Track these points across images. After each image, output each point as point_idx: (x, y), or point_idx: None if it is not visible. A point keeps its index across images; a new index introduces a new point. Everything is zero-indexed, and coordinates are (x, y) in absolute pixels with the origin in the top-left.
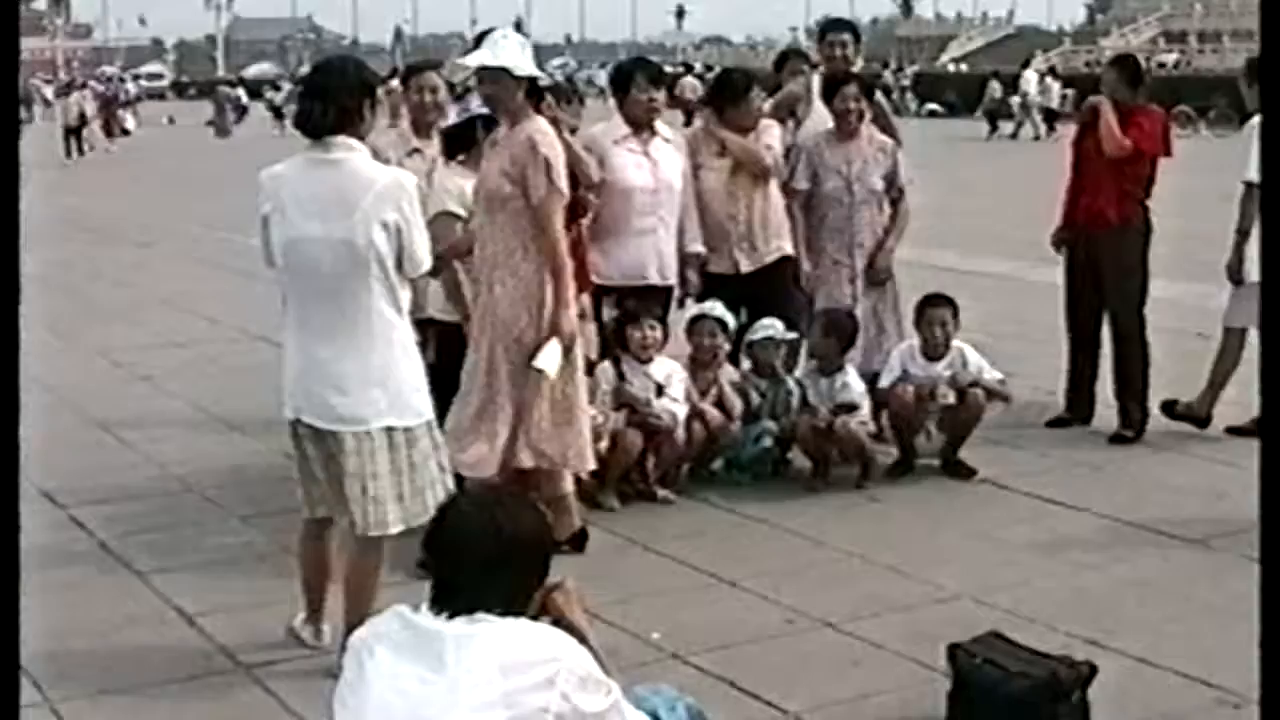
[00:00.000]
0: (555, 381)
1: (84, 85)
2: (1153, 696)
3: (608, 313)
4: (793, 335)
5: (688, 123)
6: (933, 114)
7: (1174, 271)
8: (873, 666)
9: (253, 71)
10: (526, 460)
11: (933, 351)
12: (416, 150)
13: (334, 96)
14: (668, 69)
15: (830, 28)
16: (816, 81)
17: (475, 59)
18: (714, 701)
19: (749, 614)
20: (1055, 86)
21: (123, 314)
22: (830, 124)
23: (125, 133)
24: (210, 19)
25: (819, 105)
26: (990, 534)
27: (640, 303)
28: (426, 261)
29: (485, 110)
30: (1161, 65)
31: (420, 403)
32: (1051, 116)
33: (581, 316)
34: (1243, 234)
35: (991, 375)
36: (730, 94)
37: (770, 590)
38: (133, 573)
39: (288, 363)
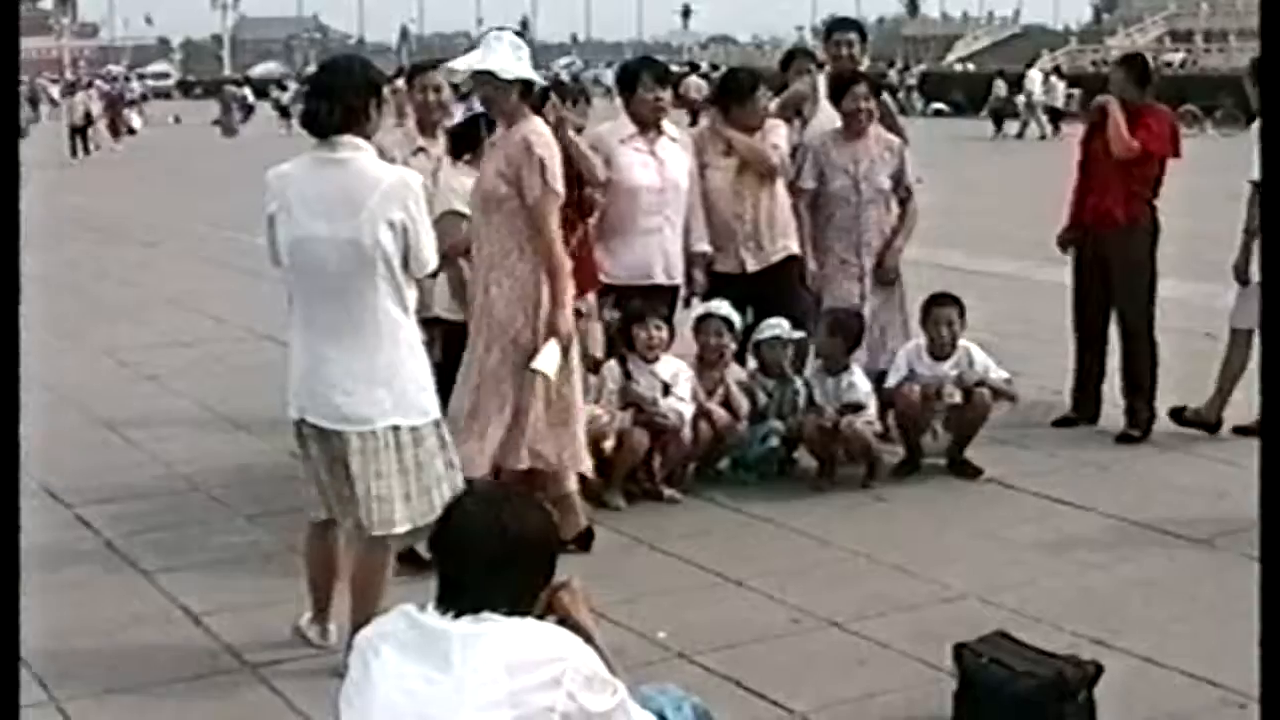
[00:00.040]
0: (552, 382)
1: (90, 84)
2: (1159, 696)
3: (607, 313)
4: (799, 335)
5: (693, 122)
6: (939, 113)
7: (1181, 271)
8: (879, 666)
9: (259, 71)
10: (522, 461)
11: (939, 351)
12: (422, 149)
13: (340, 96)
14: (674, 68)
15: (836, 27)
16: (822, 81)
17: (463, 62)
18: (720, 701)
19: (755, 613)
20: (1060, 86)
21: (129, 313)
22: (837, 123)
23: (131, 132)
24: (216, 18)
25: (825, 104)
26: (996, 533)
27: (646, 302)
28: (433, 261)
29: None
30: (1168, 64)
31: (426, 402)
32: (1057, 116)
33: (579, 315)
34: (1250, 234)
35: (998, 375)
36: (736, 93)
37: (776, 590)
38: (139, 572)
39: (293, 362)
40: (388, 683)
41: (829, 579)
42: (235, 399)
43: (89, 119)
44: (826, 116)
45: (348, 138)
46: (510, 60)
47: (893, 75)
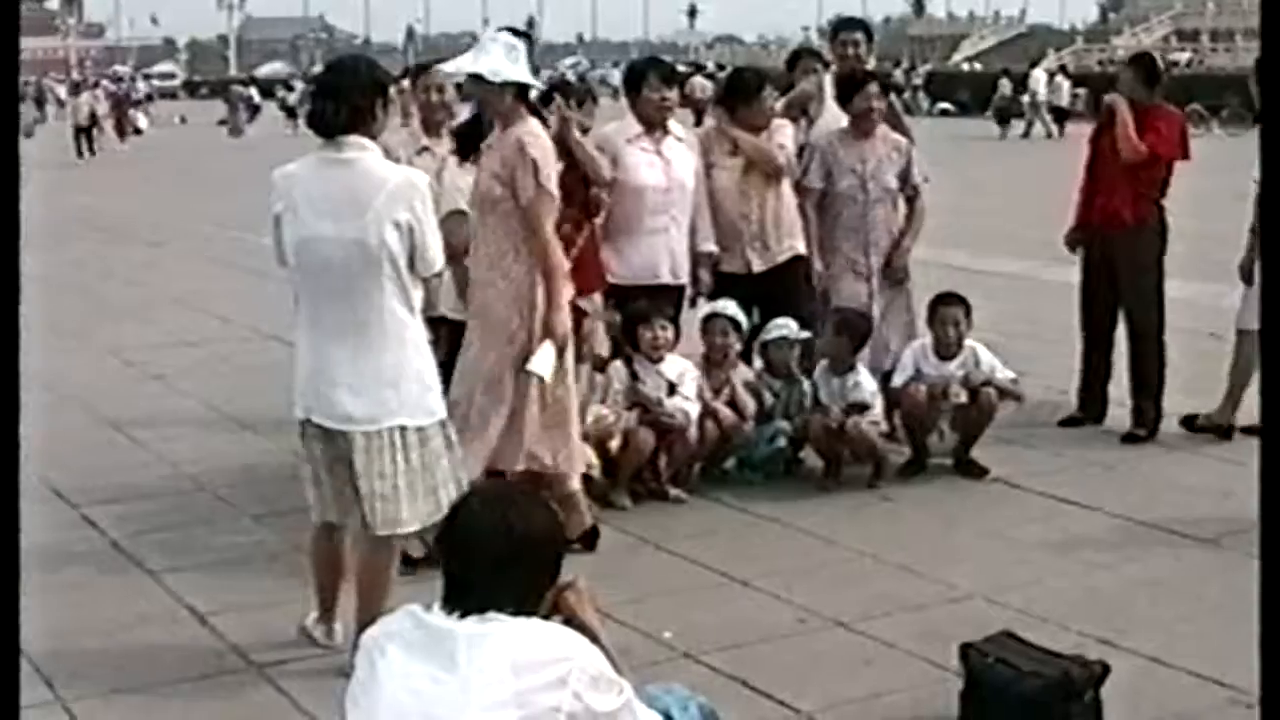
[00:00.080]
0: (548, 384)
1: (96, 85)
2: (1165, 696)
3: (605, 314)
4: (806, 335)
5: (698, 122)
6: (944, 113)
7: (1187, 271)
8: (885, 666)
9: (265, 71)
10: (518, 463)
11: (945, 351)
12: (426, 149)
13: (346, 96)
14: (679, 68)
15: (842, 27)
16: (828, 80)
17: (453, 65)
18: (726, 701)
19: (761, 613)
20: (1065, 85)
21: (135, 313)
22: (843, 123)
23: (138, 132)
24: (222, 18)
25: (831, 104)
26: (1003, 533)
27: (652, 302)
28: (439, 261)
29: None
30: (1174, 64)
31: (433, 402)
32: (1062, 115)
33: (585, 315)
34: (1256, 233)
35: (1004, 374)
36: (742, 93)
37: (782, 589)
38: (144, 572)
39: (299, 362)
40: (394, 682)
41: (835, 579)
42: (241, 399)
43: (94, 119)
44: (832, 116)
45: (354, 138)
46: (502, 62)
47: (898, 75)
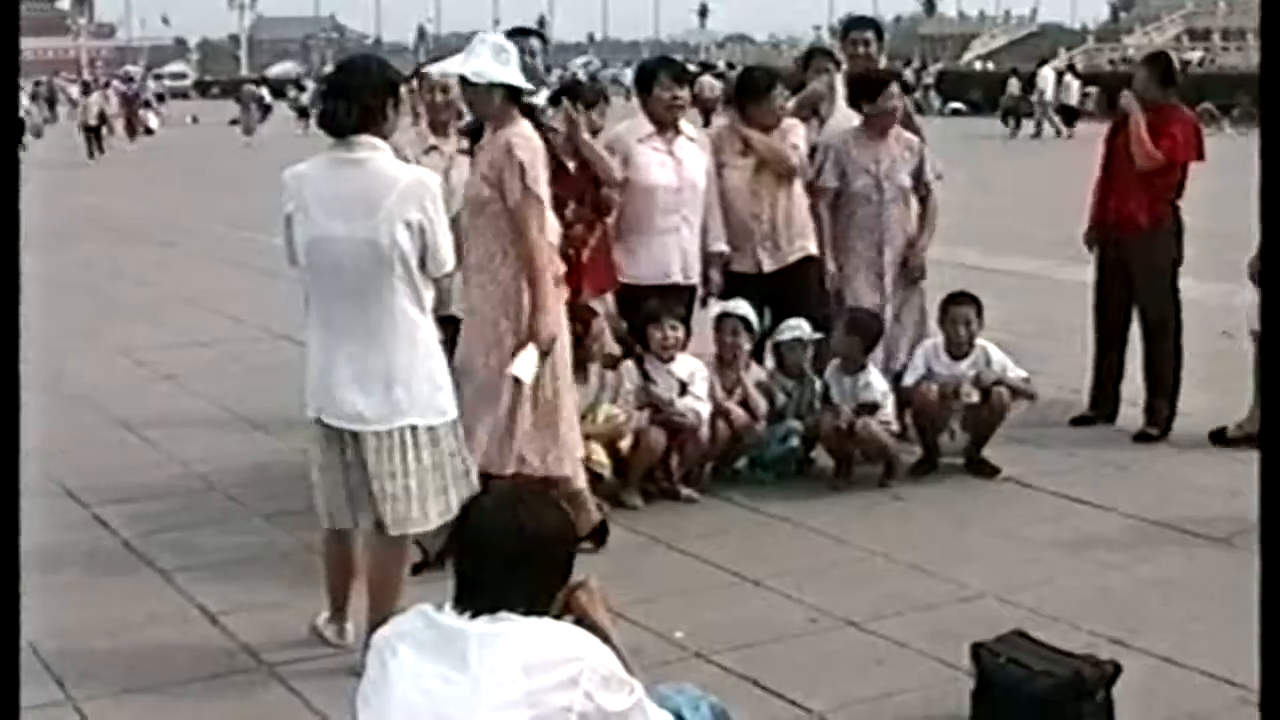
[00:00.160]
0: (542, 386)
1: (107, 85)
2: (1177, 695)
3: (613, 318)
4: (819, 336)
5: (706, 122)
6: (956, 112)
7: (1198, 270)
8: (896, 665)
9: (276, 71)
10: (509, 466)
11: (957, 350)
12: (434, 148)
13: (357, 95)
14: (690, 67)
15: (853, 26)
16: (839, 80)
17: (439, 68)
18: (737, 700)
19: (772, 613)
20: (1075, 84)
21: (146, 313)
22: (854, 122)
23: (149, 132)
24: (233, 18)
25: (842, 104)
26: (1014, 533)
27: (663, 302)
28: (450, 261)
29: None
30: (1185, 63)
31: (444, 401)
32: (1072, 115)
33: (594, 315)
34: None
35: (1015, 373)
36: (752, 92)
37: (794, 589)
38: (156, 571)
39: (310, 362)
40: (405, 682)
41: (846, 578)
42: (252, 399)
43: (103, 119)
44: (843, 115)
45: (365, 138)
46: (490, 64)
47: (909, 74)
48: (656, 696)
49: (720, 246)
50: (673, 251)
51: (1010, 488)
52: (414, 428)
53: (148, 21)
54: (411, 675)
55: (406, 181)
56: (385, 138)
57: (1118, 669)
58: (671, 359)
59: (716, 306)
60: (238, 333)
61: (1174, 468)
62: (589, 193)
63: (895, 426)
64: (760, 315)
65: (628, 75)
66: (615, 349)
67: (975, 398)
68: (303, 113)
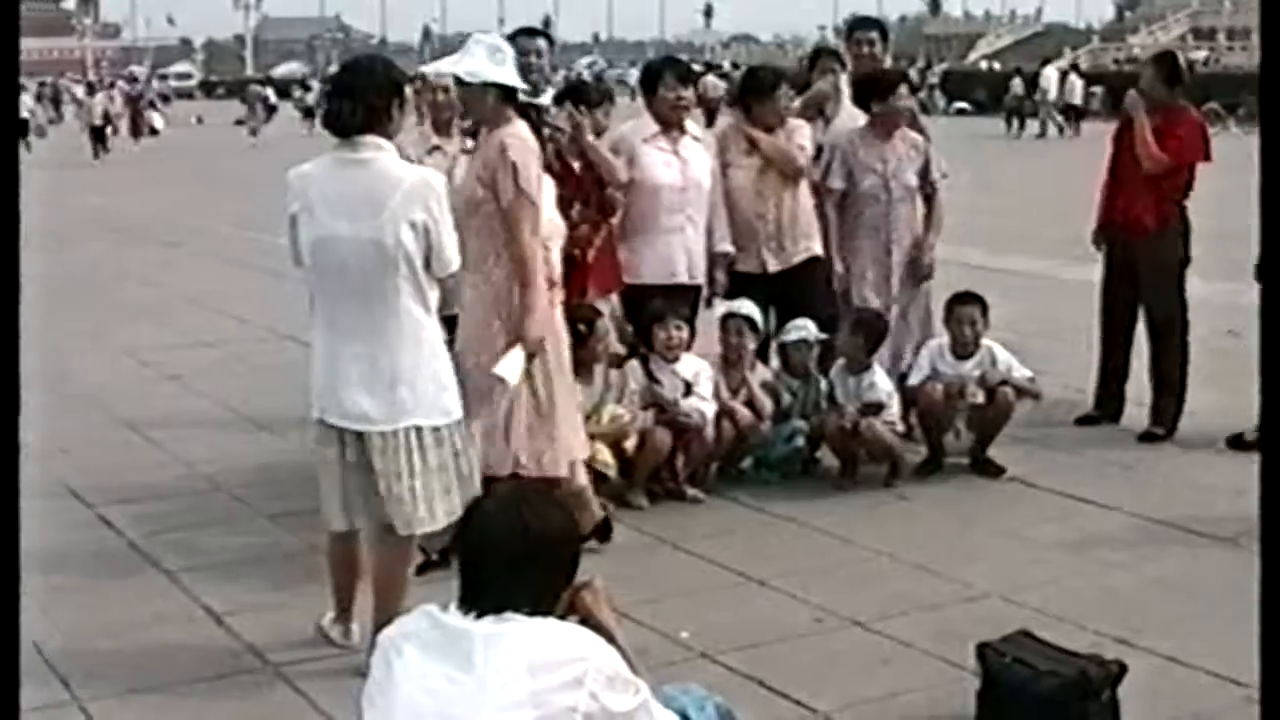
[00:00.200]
0: (536, 388)
1: (112, 85)
2: (1182, 695)
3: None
4: (825, 336)
5: (710, 122)
6: (961, 112)
7: (1204, 270)
8: (902, 665)
9: (281, 71)
10: (505, 467)
11: (962, 350)
12: (437, 148)
13: (362, 95)
14: (694, 67)
15: (858, 26)
16: (844, 80)
17: (434, 67)
18: (743, 700)
19: (778, 613)
20: (1079, 84)
21: (151, 313)
22: (859, 122)
23: (154, 132)
24: (238, 18)
25: (848, 104)
26: (1019, 532)
27: (668, 302)
28: (455, 261)
29: None
30: (1191, 63)
31: (449, 402)
32: (1078, 114)
33: (599, 315)
34: None
35: (1021, 373)
36: (756, 91)
37: (799, 589)
38: (161, 572)
39: (315, 363)
40: (410, 682)
41: (852, 578)
42: (257, 399)
43: (108, 119)
44: (849, 115)
45: (370, 138)
46: (484, 64)
47: (914, 74)
48: (662, 697)
49: (725, 247)
50: (678, 251)
51: (1015, 487)
52: (419, 428)
53: (153, 22)
54: (417, 675)
55: (411, 182)
56: (390, 138)
57: (1123, 669)
58: (676, 359)
59: (722, 306)
60: (243, 333)
61: (1179, 467)
62: (594, 193)
63: (900, 426)
64: (765, 315)
65: (633, 75)
66: (620, 349)
67: (980, 398)
68: (308, 113)
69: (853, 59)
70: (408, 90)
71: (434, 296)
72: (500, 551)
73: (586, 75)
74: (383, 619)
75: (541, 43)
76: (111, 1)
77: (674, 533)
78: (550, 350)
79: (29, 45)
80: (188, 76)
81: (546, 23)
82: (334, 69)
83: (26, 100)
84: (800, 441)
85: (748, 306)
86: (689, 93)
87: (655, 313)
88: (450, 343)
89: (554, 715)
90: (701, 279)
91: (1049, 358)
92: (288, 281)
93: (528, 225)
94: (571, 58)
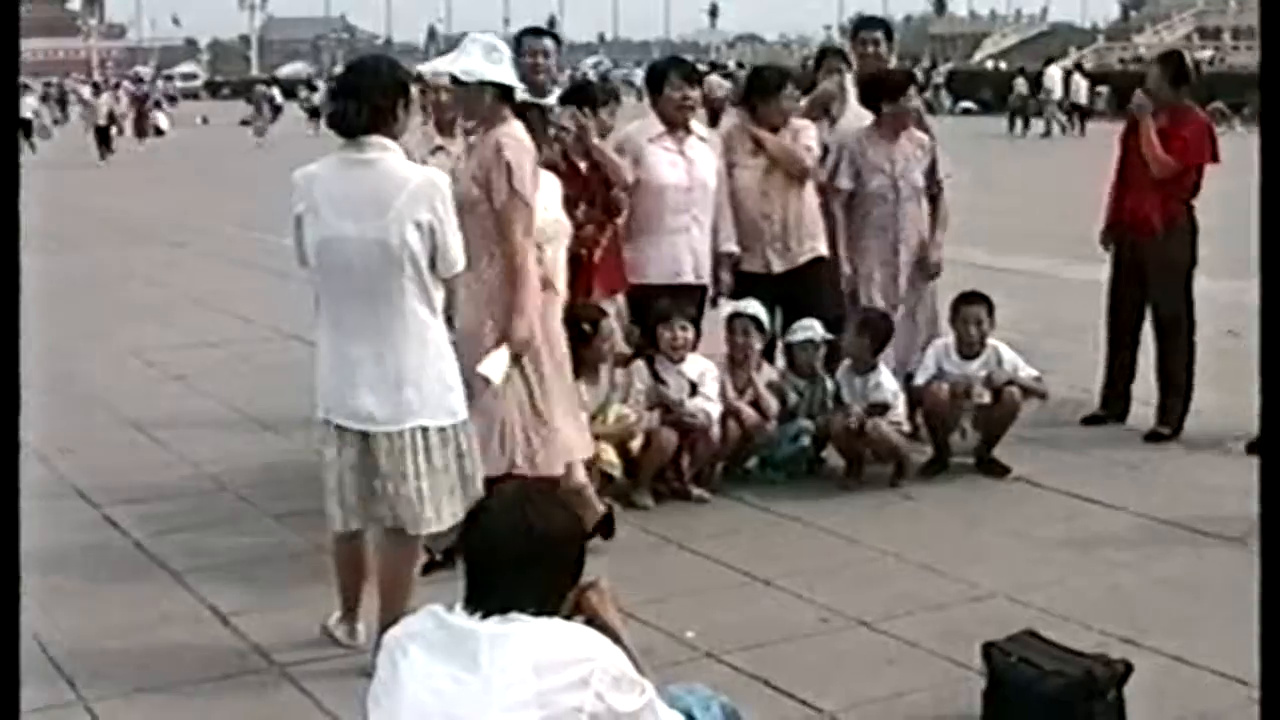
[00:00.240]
0: (531, 388)
1: (118, 85)
2: (1188, 695)
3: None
4: (832, 336)
5: (713, 122)
6: (966, 111)
7: (1210, 268)
8: (907, 665)
9: (286, 71)
10: (500, 467)
11: (968, 350)
12: (440, 148)
13: (368, 96)
14: (699, 67)
15: (863, 26)
16: (850, 80)
17: (430, 66)
18: (748, 700)
19: (783, 612)
20: (1083, 84)
21: (156, 314)
22: (865, 122)
23: (159, 133)
24: (244, 19)
25: (854, 103)
26: (1025, 532)
27: (674, 302)
28: (460, 261)
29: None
30: (1198, 62)
31: (454, 402)
32: (1082, 114)
33: (603, 315)
34: None
35: (1027, 372)
36: (760, 90)
37: (805, 589)
38: (167, 572)
39: (320, 363)
40: (416, 682)
41: (857, 578)
42: (262, 399)
43: (113, 119)
44: (854, 115)
45: (375, 138)
46: (480, 63)
47: (919, 74)
48: (667, 697)
49: (730, 247)
50: (683, 251)
51: (1021, 487)
52: (425, 429)
53: (158, 22)
54: (422, 676)
55: (417, 182)
56: (396, 138)
57: (1129, 668)
58: (682, 359)
59: (728, 306)
60: (248, 333)
61: (1185, 467)
62: (600, 193)
63: (906, 426)
64: (771, 315)
65: (638, 75)
66: (625, 349)
67: (986, 397)
68: (314, 113)
69: (858, 59)
70: (413, 90)
71: (439, 297)
72: (506, 552)
73: (592, 75)
74: (388, 619)
75: (549, 43)
76: (117, 2)
77: (679, 532)
78: (545, 350)
79: (34, 46)
80: (193, 77)
81: (551, 22)
82: (339, 69)
83: (31, 101)
84: (806, 441)
85: (754, 306)
86: (695, 93)
87: (661, 313)
88: (455, 344)
89: (559, 715)
90: (707, 279)
91: (1054, 357)
92: (293, 281)
93: (520, 226)
94: (577, 58)
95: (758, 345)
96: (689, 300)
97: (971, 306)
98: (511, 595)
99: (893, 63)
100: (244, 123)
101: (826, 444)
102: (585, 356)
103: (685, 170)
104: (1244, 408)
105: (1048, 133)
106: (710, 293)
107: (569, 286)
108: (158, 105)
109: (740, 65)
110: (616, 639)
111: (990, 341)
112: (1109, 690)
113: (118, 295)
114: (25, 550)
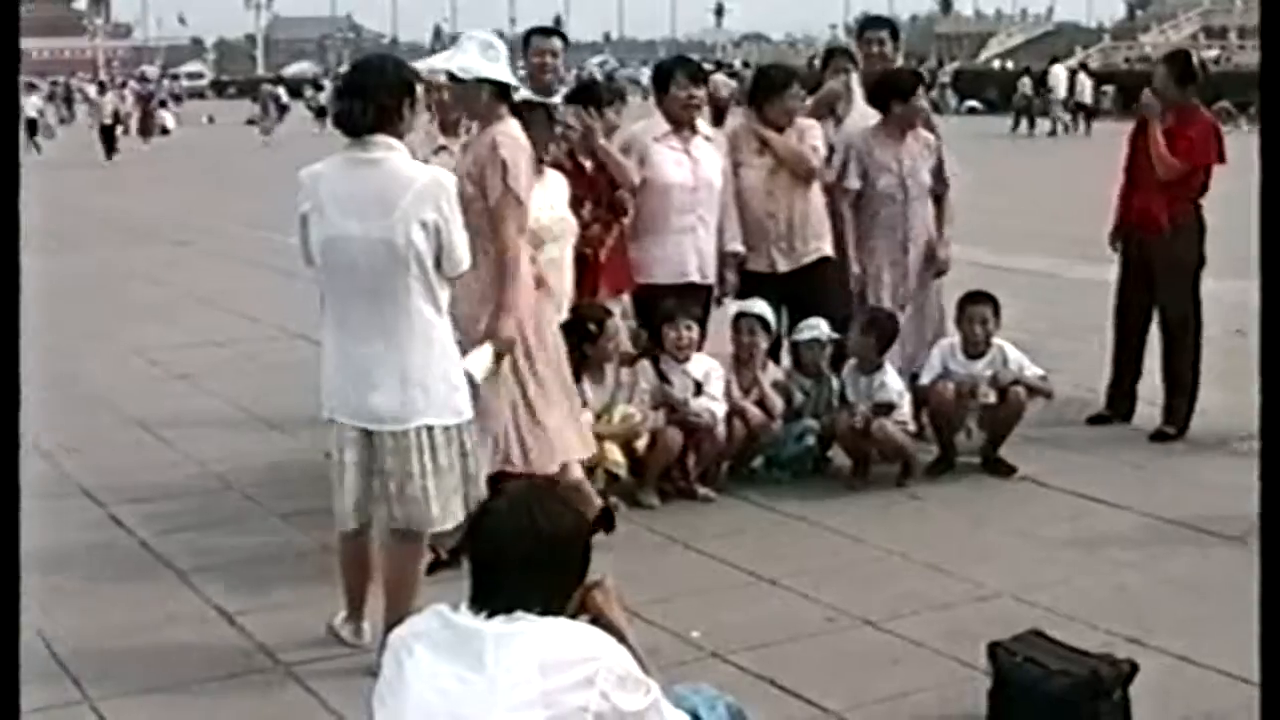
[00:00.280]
0: (525, 385)
1: (124, 84)
2: (1194, 694)
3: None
4: (838, 336)
5: (718, 122)
6: (972, 111)
7: (1216, 268)
8: (913, 664)
9: (292, 70)
10: (494, 465)
11: (973, 349)
12: (443, 148)
13: (373, 95)
14: (706, 66)
15: (868, 25)
16: (855, 79)
17: (427, 64)
18: (754, 700)
19: (789, 612)
20: (1088, 83)
21: (161, 313)
22: (871, 121)
23: (165, 132)
24: (250, 18)
25: (859, 103)
26: (1030, 532)
27: (679, 301)
28: (466, 260)
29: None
30: (1204, 62)
31: (459, 402)
32: (1088, 113)
33: (609, 315)
34: None
35: (1032, 372)
36: (766, 89)
37: (810, 588)
38: (173, 571)
39: (326, 362)
40: (421, 682)
41: (863, 578)
42: (268, 398)
43: (118, 118)
44: (860, 115)
45: (381, 137)
46: (477, 60)
47: (925, 73)
48: (673, 696)
49: (736, 246)
50: (689, 251)
51: (1027, 487)
52: (430, 428)
53: (164, 21)
54: (427, 675)
55: (423, 181)
56: (401, 137)
57: (1134, 668)
58: (687, 359)
59: (734, 306)
60: (253, 332)
61: (1191, 467)
62: (605, 193)
63: (912, 426)
64: (777, 315)
65: (644, 75)
66: (631, 348)
67: (992, 397)
68: (320, 112)
69: (864, 58)
70: (418, 90)
71: (445, 296)
72: (511, 552)
73: (598, 74)
74: (394, 619)
75: (557, 42)
76: (123, 1)
77: (685, 532)
78: (538, 349)
79: (40, 45)
80: (199, 76)
81: (558, 21)
82: (345, 68)
83: (36, 100)
84: (812, 441)
85: (760, 306)
86: (700, 92)
87: (666, 312)
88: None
89: (565, 715)
90: (712, 279)
91: (1060, 357)
92: (299, 280)
93: (513, 223)
94: (583, 57)
95: (763, 345)
96: (694, 300)
97: (977, 306)
98: (517, 595)
99: (898, 62)
100: (250, 122)
101: (832, 443)
102: (591, 356)
103: (691, 170)
104: (1249, 407)
105: (1054, 132)
106: (716, 292)
107: (574, 286)
108: (163, 104)
109: (746, 65)
110: (622, 638)
111: (996, 341)
112: (1114, 690)
113: (123, 294)
114: (30, 549)
